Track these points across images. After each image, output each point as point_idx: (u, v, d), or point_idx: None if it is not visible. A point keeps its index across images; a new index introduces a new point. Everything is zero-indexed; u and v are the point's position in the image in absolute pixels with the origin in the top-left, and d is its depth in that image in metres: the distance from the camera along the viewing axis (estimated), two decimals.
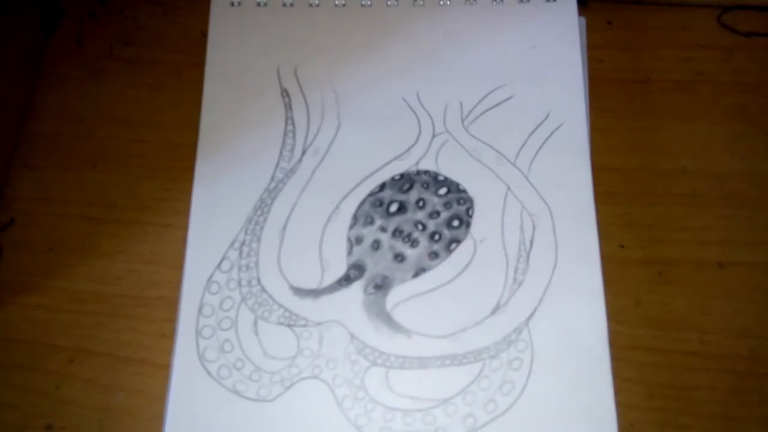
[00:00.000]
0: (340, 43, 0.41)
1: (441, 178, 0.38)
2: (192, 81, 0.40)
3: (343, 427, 0.33)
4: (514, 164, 0.38)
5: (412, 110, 0.39)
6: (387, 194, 0.37)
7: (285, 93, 0.40)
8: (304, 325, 0.35)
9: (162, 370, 0.35)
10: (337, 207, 0.37)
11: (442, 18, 0.41)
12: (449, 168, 0.38)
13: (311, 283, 0.36)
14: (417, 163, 0.38)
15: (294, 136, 0.39)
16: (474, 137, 0.38)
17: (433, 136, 0.38)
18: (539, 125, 0.38)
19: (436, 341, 0.34)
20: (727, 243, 0.37)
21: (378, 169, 0.38)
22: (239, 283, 0.36)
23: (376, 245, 0.36)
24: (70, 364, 0.36)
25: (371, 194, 0.37)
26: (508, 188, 0.37)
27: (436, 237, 0.36)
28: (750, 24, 0.42)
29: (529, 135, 0.38)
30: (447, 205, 0.37)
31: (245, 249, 0.36)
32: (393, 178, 0.38)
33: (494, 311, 0.35)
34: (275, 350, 0.35)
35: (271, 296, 0.35)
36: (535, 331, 0.34)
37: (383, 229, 0.37)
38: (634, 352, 0.35)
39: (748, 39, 0.41)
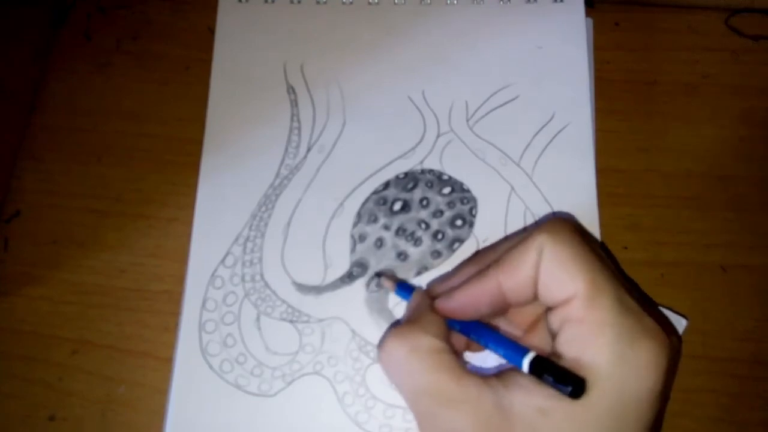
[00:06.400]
0: (347, 41, 0.41)
1: (445, 177, 0.38)
2: (199, 76, 0.40)
3: (344, 423, 0.33)
4: (518, 164, 0.38)
5: (418, 109, 0.39)
6: (391, 192, 0.37)
7: (291, 90, 0.40)
8: (307, 322, 0.35)
9: (164, 363, 0.35)
10: (341, 204, 0.37)
11: (449, 17, 0.41)
12: (453, 167, 0.38)
13: (314, 280, 0.36)
14: (421, 162, 0.38)
15: (299, 133, 0.39)
16: (479, 137, 0.38)
17: (438, 135, 0.39)
18: (544, 126, 0.38)
19: None
20: (731, 246, 0.37)
21: (382, 167, 0.38)
22: (243, 279, 0.36)
23: (380, 243, 0.36)
24: (73, 355, 0.36)
25: (375, 192, 0.37)
26: (512, 188, 0.37)
27: (439, 236, 0.36)
28: (757, 27, 0.41)
29: (534, 135, 0.38)
30: (450, 204, 0.37)
31: (249, 245, 0.36)
32: (397, 177, 0.38)
33: None
34: (277, 346, 0.35)
35: (274, 292, 0.36)
36: None
37: (387, 228, 0.37)
38: None
39: (755, 42, 0.41)
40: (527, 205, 0.37)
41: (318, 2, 0.42)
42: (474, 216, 0.37)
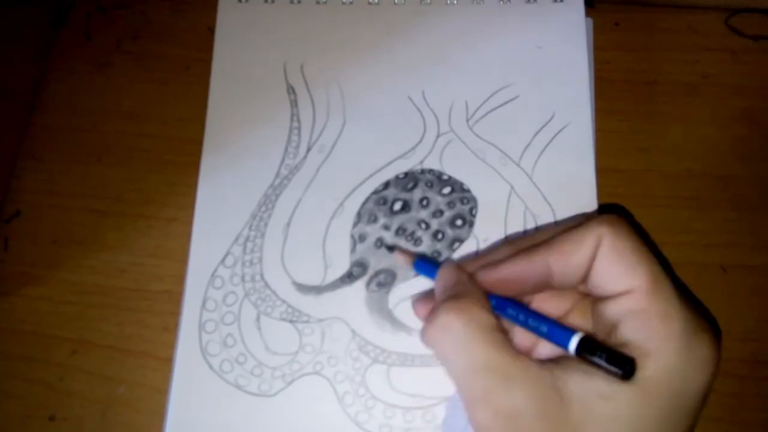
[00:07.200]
0: (347, 41, 0.41)
1: (445, 177, 0.38)
2: (199, 76, 0.40)
3: (344, 423, 0.33)
4: (518, 164, 0.38)
5: (418, 109, 0.39)
6: (391, 192, 0.37)
7: (291, 90, 0.40)
8: (307, 321, 0.35)
9: (164, 363, 0.35)
10: (341, 204, 0.37)
11: (449, 17, 0.41)
12: (453, 167, 0.38)
13: (314, 280, 0.36)
14: (421, 162, 0.38)
15: (299, 133, 0.39)
16: (479, 137, 0.38)
17: (438, 135, 0.39)
18: (544, 126, 0.38)
19: None
20: (731, 246, 0.37)
21: (382, 167, 0.38)
22: (243, 279, 0.36)
23: (380, 243, 0.36)
24: (73, 355, 0.36)
25: (375, 192, 0.37)
26: (512, 188, 0.37)
27: (439, 236, 0.36)
28: (758, 27, 0.41)
29: (534, 135, 0.38)
30: (450, 204, 0.37)
31: (249, 245, 0.36)
32: (397, 177, 0.38)
33: None
34: (277, 346, 0.35)
35: (274, 292, 0.36)
36: None
37: (387, 228, 0.37)
38: None
39: (755, 42, 0.41)
40: (527, 205, 0.37)
41: (318, 2, 0.42)
42: (474, 216, 0.37)
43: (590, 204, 0.36)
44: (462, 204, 0.37)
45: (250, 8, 0.42)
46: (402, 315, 0.35)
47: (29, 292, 0.37)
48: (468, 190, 0.37)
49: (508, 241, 0.33)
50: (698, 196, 0.38)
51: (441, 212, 0.37)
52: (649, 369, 0.25)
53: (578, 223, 0.28)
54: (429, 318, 0.28)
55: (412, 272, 0.36)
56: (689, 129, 0.40)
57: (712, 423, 0.34)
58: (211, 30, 0.41)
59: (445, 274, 0.30)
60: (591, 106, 0.39)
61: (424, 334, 0.28)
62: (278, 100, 0.39)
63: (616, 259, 0.27)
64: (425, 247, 0.36)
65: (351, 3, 0.42)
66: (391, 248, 0.35)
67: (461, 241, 0.36)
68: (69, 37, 0.43)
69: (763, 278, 0.36)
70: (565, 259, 0.28)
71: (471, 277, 0.30)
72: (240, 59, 0.40)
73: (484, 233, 0.36)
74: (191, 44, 0.42)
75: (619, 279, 0.27)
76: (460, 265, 0.31)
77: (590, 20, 0.41)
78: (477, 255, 0.32)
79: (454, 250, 0.36)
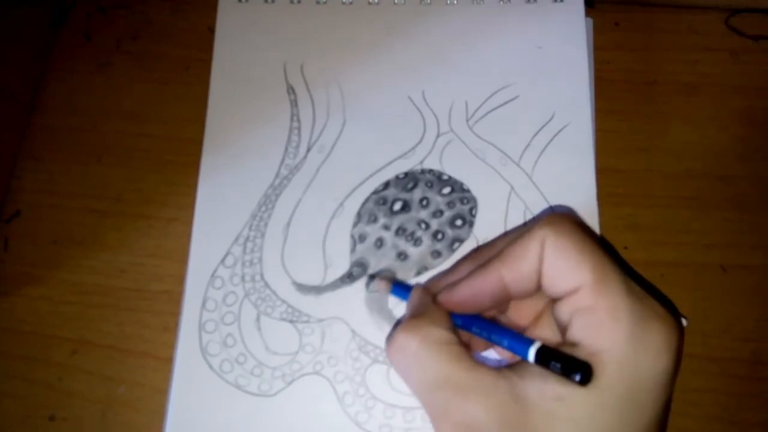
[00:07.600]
0: (347, 41, 0.41)
1: (445, 177, 0.38)
2: (199, 76, 0.40)
3: (344, 423, 0.33)
4: (518, 164, 0.38)
5: (418, 109, 0.39)
6: (391, 192, 0.37)
7: (291, 90, 0.40)
8: (307, 321, 0.35)
9: (165, 363, 0.35)
10: (341, 204, 0.37)
11: (449, 17, 0.41)
12: (453, 167, 0.38)
13: (314, 280, 0.36)
14: (421, 162, 0.38)
15: (299, 133, 0.39)
16: (479, 137, 0.38)
17: (438, 135, 0.39)
18: (544, 126, 0.38)
19: None
20: (731, 246, 0.37)
21: (382, 168, 0.38)
22: (243, 279, 0.36)
23: (380, 243, 0.36)
24: (73, 355, 0.36)
25: (375, 192, 0.37)
26: (512, 188, 0.37)
27: (439, 236, 0.36)
28: (758, 27, 0.41)
29: (534, 135, 0.38)
30: (450, 204, 0.37)
31: (249, 245, 0.36)
32: (397, 177, 0.38)
33: None
34: (277, 346, 0.35)
35: (274, 292, 0.36)
36: None
37: (387, 228, 0.37)
38: None
39: (755, 42, 0.41)
40: (527, 205, 0.37)
41: (318, 2, 0.42)
42: (474, 216, 0.37)
43: (590, 204, 0.36)
44: (462, 204, 0.37)
45: (250, 8, 0.42)
46: (403, 313, 0.35)
47: (29, 292, 0.37)
48: (468, 190, 0.37)
49: (470, 255, 0.33)
50: (698, 196, 0.38)
51: (441, 212, 0.37)
52: (601, 366, 0.25)
53: (524, 230, 0.28)
54: (387, 339, 0.28)
55: (412, 272, 0.36)
56: (689, 129, 0.40)
57: (712, 423, 0.34)
58: (211, 30, 0.41)
59: (412, 297, 0.31)
60: (591, 106, 0.39)
61: (387, 355, 0.28)
62: (278, 100, 0.39)
63: (559, 257, 0.27)
64: (425, 247, 0.36)
65: (351, 3, 0.42)
66: (372, 277, 0.35)
67: (461, 241, 0.36)
68: (69, 37, 0.43)
69: (763, 278, 0.36)
70: (516, 269, 0.28)
71: (434, 298, 0.30)
72: (240, 59, 0.40)
73: (484, 233, 0.36)
74: (191, 44, 0.42)
75: (565, 277, 0.27)
76: (426, 287, 0.32)
77: (590, 20, 0.41)
78: (441, 275, 0.33)
79: (454, 250, 0.36)
